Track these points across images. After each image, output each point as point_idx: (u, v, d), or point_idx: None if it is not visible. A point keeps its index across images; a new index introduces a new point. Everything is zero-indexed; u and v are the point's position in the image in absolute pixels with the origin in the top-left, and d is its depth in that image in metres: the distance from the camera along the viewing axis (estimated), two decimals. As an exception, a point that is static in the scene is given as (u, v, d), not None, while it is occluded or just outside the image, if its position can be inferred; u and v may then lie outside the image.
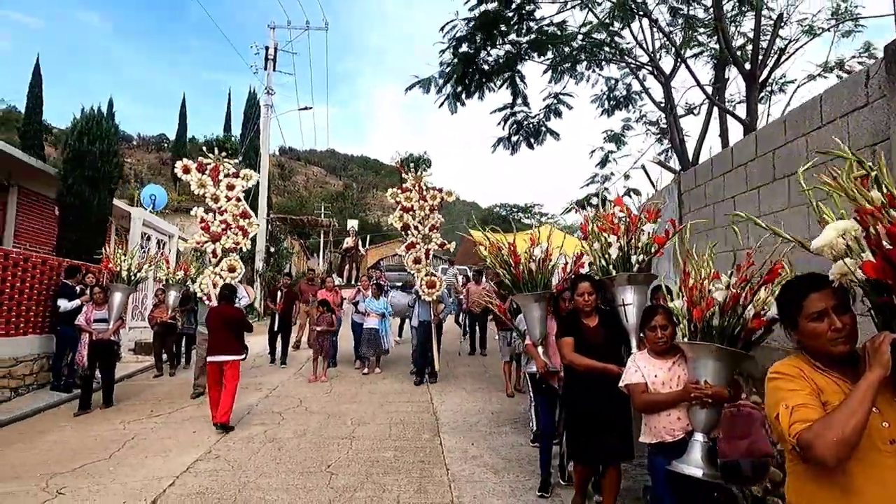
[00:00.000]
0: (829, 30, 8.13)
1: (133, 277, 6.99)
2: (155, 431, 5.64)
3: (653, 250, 3.33)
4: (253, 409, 6.41)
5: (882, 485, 1.36)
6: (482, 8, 7.40)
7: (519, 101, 8.79)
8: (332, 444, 5.13)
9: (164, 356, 8.88)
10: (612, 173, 10.07)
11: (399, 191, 8.23)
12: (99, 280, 7.40)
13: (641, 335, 2.98)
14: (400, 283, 12.06)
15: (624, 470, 3.58)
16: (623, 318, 3.36)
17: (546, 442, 4.08)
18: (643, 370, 2.78)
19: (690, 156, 8.47)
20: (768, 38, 7.88)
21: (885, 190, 1.49)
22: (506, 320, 5.16)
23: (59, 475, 4.39)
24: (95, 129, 9.73)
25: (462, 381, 7.97)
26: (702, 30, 8.39)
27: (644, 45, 8.63)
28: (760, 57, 7.79)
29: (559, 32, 7.82)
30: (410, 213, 8.16)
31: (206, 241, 7.37)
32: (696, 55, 9.20)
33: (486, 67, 8.15)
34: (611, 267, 3.41)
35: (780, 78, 9.15)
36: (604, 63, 8.94)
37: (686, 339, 2.54)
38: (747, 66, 7.88)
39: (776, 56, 8.10)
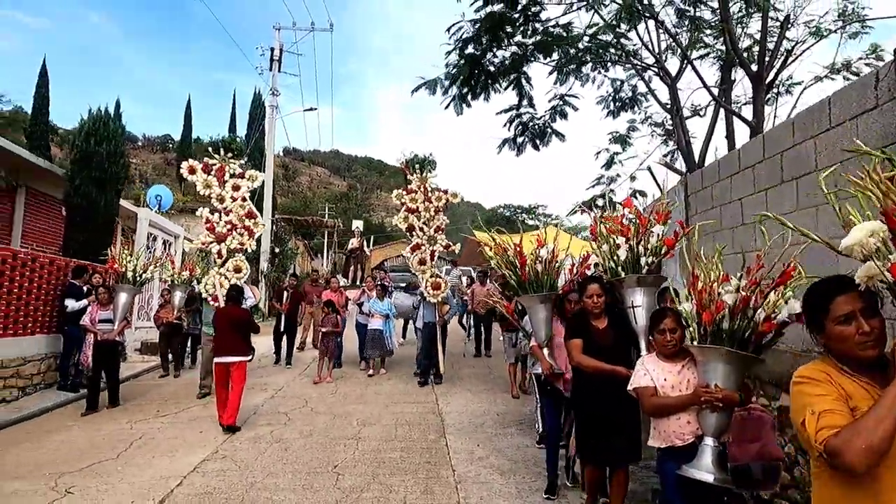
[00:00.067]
0: (836, 31, 8.08)
1: (138, 278, 7.03)
2: (162, 431, 5.66)
3: (662, 252, 3.32)
4: (259, 410, 6.43)
5: None
6: (488, 9, 7.40)
7: (525, 102, 8.79)
8: (338, 445, 5.14)
9: (170, 356, 8.93)
10: (617, 175, 10.01)
11: (404, 192, 8.25)
12: (105, 280, 7.44)
13: (650, 338, 2.97)
14: (404, 284, 12.05)
15: (631, 472, 3.57)
16: (632, 320, 3.35)
17: (552, 443, 4.08)
18: (652, 373, 2.76)
19: (696, 157, 8.44)
20: (775, 39, 7.85)
21: None
22: (513, 321, 5.15)
23: (68, 474, 4.41)
24: (102, 130, 9.78)
25: (467, 382, 7.97)
26: (708, 31, 8.36)
27: (650, 47, 8.61)
28: (767, 58, 7.76)
29: (565, 34, 7.81)
30: (416, 214, 8.18)
31: (211, 242, 7.39)
32: (702, 57, 9.16)
33: (491, 69, 8.14)
34: (620, 269, 3.39)
35: (787, 79, 9.09)
36: (609, 64, 8.92)
37: (696, 343, 2.52)
38: (754, 67, 7.85)
39: (783, 58, 8.06)
